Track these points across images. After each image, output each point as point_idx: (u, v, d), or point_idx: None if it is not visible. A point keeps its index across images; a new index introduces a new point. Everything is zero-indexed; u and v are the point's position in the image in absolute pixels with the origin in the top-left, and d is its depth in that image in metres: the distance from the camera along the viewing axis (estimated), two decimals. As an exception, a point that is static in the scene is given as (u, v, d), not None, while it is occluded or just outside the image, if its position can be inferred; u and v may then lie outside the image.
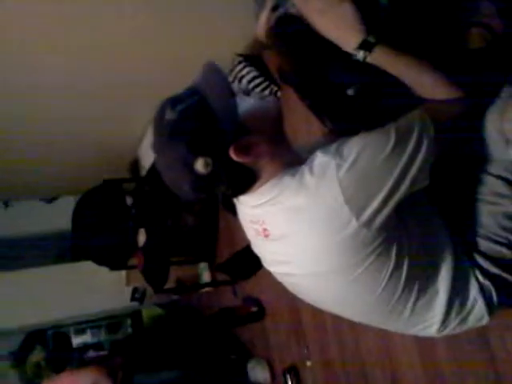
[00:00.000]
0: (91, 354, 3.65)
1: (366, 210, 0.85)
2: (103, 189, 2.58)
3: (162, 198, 2.64)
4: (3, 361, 3.37)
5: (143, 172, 3.67)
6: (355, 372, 2.04)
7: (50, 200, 4.30)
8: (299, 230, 0.92)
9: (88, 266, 3.31)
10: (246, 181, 0.95)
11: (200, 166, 0.87)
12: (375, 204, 0.86)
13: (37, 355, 3.43)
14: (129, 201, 3.15)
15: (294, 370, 2.57)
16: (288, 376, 2.56)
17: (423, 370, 1.64)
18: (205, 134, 0.88)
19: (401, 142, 0.86)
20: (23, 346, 3.52)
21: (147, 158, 3.56)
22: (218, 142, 0.89)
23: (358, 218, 0.85)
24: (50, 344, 3.61)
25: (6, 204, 4.12)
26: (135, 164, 3.96)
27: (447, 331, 1.05)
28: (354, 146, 0.87)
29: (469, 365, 1.46)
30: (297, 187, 0.90)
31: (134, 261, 3.29)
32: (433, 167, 0.91)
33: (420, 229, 0.99)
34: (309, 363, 2.44)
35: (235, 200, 1.04)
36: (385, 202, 0.86)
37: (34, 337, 3.65)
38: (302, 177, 0.90)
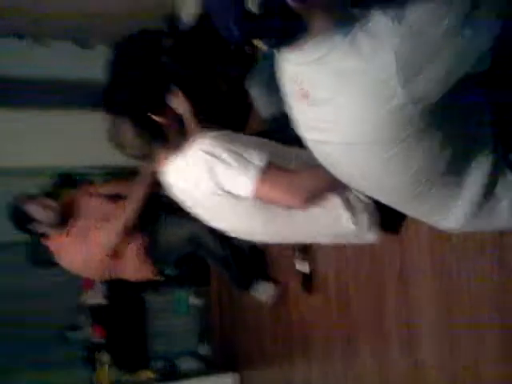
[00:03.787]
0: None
1: (416, 83, 0.80)
2: (140, 38, 2.48)
3: (201, 56, 2.52)
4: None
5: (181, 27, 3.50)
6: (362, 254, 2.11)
7: (83, 46, 4.19)
8: (343, 95, 0.87)
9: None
10: (295, 30, 0.87)
11: (252, 3, 0.80)
12: (427, 76, 0.80)
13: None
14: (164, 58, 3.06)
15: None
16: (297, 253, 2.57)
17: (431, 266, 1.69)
18: None
19: None
20: (56, 184, 3.68)
21: (187, 11, 3.39)
22: None
23: (405, 88, 0.80)
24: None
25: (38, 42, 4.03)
26: (172, 19, 3.76)
27: (468, 226, 1.07)
28: (418, 11, 0.79)
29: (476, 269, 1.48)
30: (348, 49, 0.83)
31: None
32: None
33: (465, 122, 0.95)
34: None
35: (278, 55, 0.97)
36: (437, 76, 0.81)
37: (64, 179, 3.79)
38: (355, 38, 0.83)
